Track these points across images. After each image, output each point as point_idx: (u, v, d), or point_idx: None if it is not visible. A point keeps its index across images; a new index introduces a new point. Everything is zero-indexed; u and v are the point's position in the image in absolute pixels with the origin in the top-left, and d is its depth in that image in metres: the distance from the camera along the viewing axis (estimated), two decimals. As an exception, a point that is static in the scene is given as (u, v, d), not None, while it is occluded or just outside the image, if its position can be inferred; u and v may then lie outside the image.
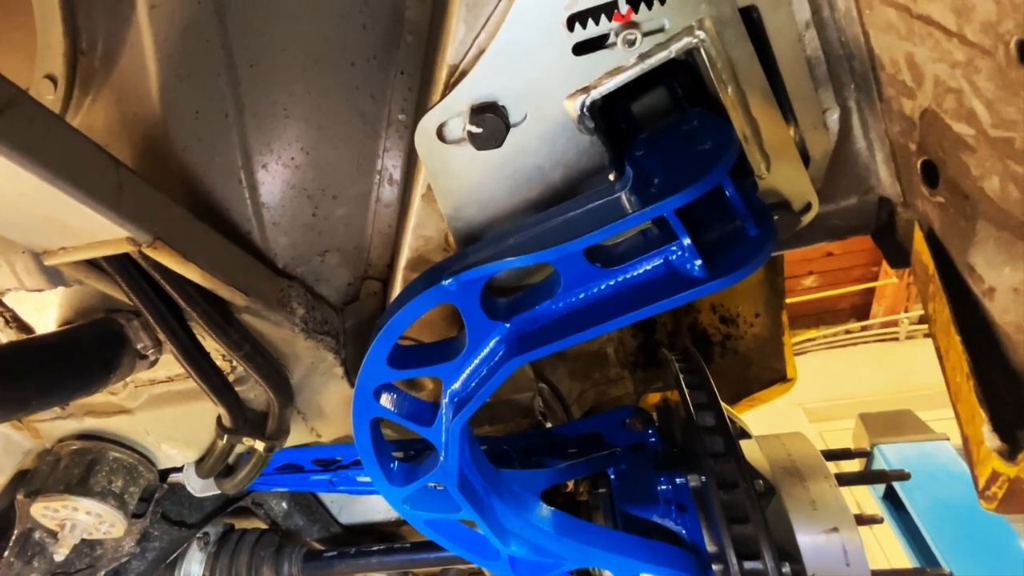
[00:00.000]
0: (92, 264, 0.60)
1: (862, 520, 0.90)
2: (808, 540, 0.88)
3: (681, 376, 1.11)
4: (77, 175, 0.45)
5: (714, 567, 0.95)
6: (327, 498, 1.42)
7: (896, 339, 6.12)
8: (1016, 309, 0.40)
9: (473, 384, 0.66)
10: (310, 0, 0.67)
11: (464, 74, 0.54)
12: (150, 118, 0.68)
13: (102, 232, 0.50)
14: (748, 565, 0.90)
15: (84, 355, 0.66)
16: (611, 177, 0.59)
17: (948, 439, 3.27)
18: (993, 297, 0.42)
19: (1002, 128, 0.38)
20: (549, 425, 1.41)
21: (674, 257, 0.56)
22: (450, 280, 0.58)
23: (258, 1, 0.66)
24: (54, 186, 0.44)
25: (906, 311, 5.93)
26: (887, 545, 3.15)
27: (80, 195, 0.45)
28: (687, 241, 0.54)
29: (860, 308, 6.30)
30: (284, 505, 1.30)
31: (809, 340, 6.16)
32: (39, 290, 0.71)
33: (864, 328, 6.29)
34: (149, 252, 0.52)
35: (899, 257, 0.60)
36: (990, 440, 0.37)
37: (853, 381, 5.44)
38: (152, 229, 0.52)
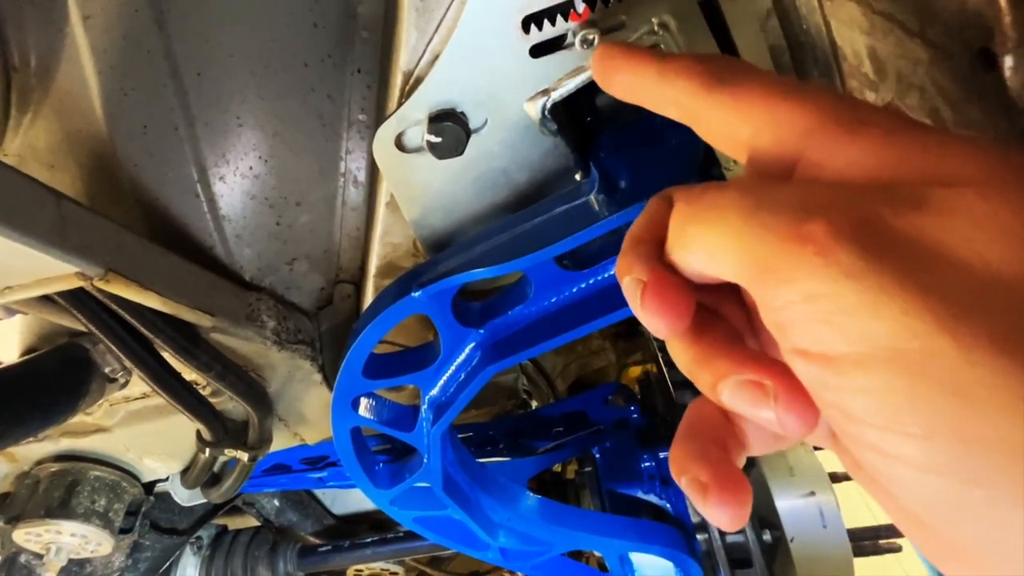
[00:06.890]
0: (45, 297, 0.57)
1: (836, 478, 0.93)
2: (787, 505, 0.91)
3: (660, 354, 1.12)
4: (12, 215, 0.42)
5: (698, 537, 0.97)
6: (318, 491, 1.42)
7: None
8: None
9: (452, 390, 0.66)
10: (256, 1, 0.64)
11: (420, 80, 0.52)
12: (96, 135, 0.65)
13: (48, 269, 0.47)
14: (730, 539, 0.92)
15: (48, 386, 0.64)
16: (577, 177, 0.58)
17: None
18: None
19: (965, 127, 0.37)
20: (535, 404, 1.42)
21: (645, 257, 0.55)
22: (419, 292, 0.57)
23: (200, 6, 0.62)
24: (-12, 229, 0.41)
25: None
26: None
27: (18, 235, 0.43)
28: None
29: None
30: (276, 502, 1.30)
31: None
32: (-4, 319, 0.69)
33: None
34: (101, 285, 0.50)
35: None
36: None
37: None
38: (102, 261, 0.50)
